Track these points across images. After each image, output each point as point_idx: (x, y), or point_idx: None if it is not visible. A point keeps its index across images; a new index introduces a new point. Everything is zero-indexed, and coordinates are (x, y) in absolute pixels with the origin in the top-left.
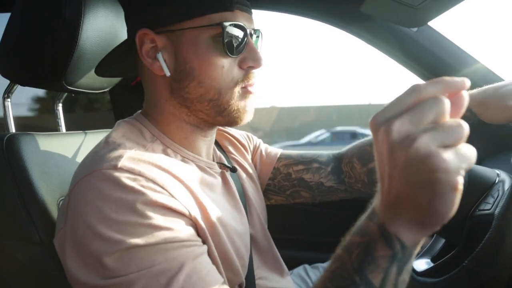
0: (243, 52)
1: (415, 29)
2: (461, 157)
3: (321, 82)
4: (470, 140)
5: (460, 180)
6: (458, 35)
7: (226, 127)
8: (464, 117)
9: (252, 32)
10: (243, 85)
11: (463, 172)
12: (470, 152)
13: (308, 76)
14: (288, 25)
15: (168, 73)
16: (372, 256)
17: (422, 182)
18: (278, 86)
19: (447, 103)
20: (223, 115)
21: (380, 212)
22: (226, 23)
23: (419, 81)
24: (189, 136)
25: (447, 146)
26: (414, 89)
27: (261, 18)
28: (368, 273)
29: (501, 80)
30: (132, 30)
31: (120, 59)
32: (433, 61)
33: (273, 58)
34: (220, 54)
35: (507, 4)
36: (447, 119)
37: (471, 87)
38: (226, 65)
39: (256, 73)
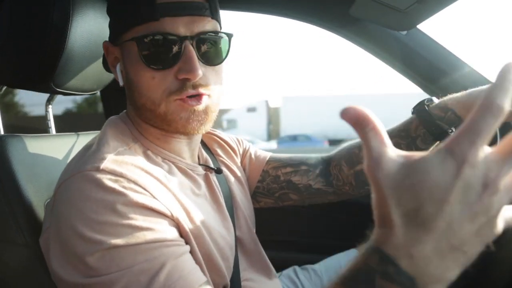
0: (179, 62)
1: (404, 32)
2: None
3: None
4: None
5: None
6: (447, 38)
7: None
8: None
9: (190, 38)
10: (179, 97)
11: None
12: None
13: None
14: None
15: (121, 83)
16: None
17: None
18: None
19: None
20: (168, 124)
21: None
22: (139, 36)
23: (410, 84)
24: (168, 139)
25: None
26: (494, 112)
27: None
28: None
29: (490, 83)
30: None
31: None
32: (423, 64)
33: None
34: (149, 66)
35: (496, 7)
36: None
37: (459, 90)
38: (157, 76)
39: (196, 83)
